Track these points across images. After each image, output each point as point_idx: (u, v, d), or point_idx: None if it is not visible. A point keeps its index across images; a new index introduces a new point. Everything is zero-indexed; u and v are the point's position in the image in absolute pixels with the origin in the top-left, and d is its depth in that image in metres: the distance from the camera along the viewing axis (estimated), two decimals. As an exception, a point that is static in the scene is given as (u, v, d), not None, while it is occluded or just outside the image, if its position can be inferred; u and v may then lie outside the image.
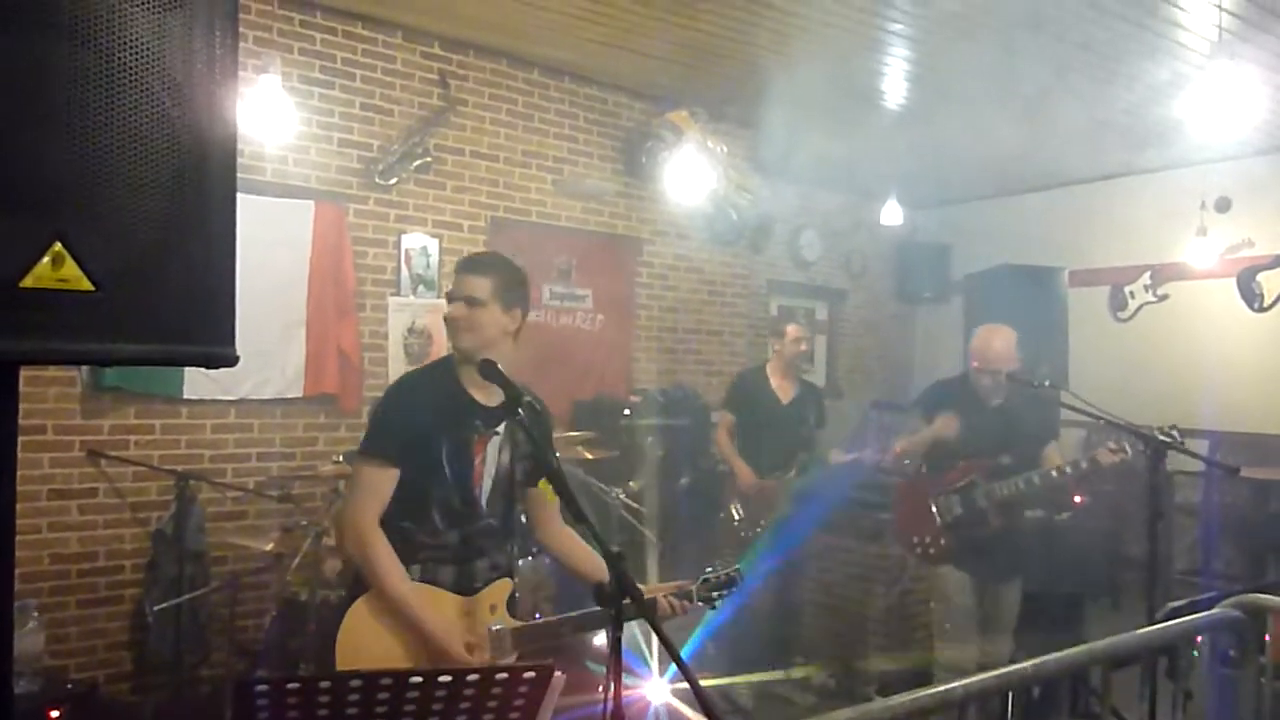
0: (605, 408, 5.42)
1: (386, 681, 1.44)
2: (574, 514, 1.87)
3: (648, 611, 1.71)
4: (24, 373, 1.13)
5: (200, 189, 1.13)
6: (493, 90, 5.30)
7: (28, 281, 1.01)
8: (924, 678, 3.84)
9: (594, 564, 2.52)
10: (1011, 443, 3.64)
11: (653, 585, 2.50)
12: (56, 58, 1.01)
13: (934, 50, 4.85)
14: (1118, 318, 7.17)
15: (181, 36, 1.11)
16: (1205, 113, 5.11)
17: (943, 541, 3.69)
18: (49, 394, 3.96)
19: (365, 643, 2.26)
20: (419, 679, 1.46)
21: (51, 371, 3.95)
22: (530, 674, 1.52)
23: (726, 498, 4.84)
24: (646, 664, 3.01)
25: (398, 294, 4.94)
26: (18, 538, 1.14)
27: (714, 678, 4.14)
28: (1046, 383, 3.70)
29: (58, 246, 1.02)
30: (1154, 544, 3.14)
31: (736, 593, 2.50)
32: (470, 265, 2.46)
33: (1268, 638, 2.47)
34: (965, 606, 3.68)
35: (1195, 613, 2.48)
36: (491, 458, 2.43)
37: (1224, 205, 6.39)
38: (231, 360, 1.20)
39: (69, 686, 3.69)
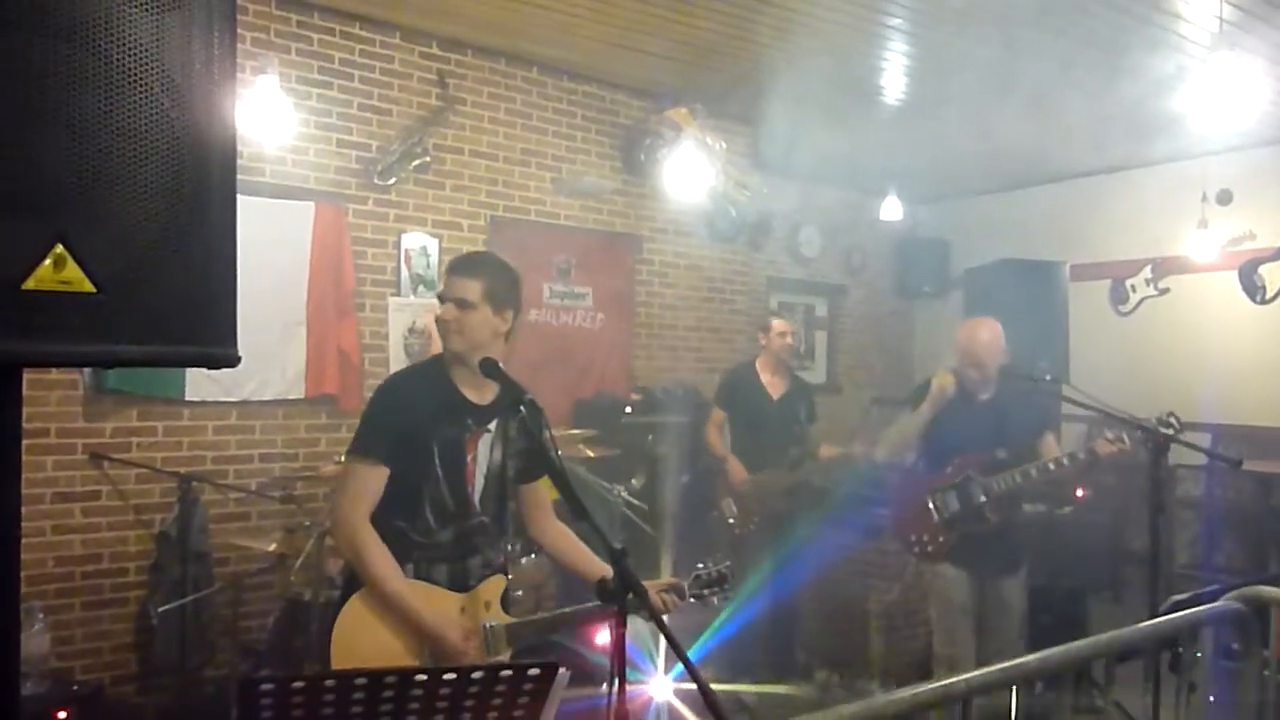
0: (606, 406, 5.43)
1: (391, 680, 1.44)
2: (576, 512, 1.87)
3: (651, 608, 1.72)
4: (26, 376, 1.14)
5: (200, 190, 1.14)
6: (491, 89, 5.30)
7: (29, 284, 1.01)
8: (926, 673, 3.84)
9: (588, 560, 2.53)
10: (1006, 436, 3.60)
11: (645, 582, 2.50)
12: (55, 59, 1.01)
13: (933, 45, 4.85)
14: (1119, 311, 7.16)
15: (180, 38, 1.11)
16: (1206, 105, 5.10)
17: (941, 539, 3.66)
18: (51, 397, 3.97)
19: (360, 641, 2.26)
20: (423, 677, 1.46)
21: (54, 374, 3.95)
22: (535, 671, 1.52)
23: (718, 495, 4.85)
24: (652, 661, 3.02)
25: (398, 294, 4.95)
26: (22, 540, 1.14)
27: (717, 682, 4.15)
28: (1048, 376, 3.68)
29: (59, 248, 1.02)
30: (1156, 537, 3.15)
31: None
32: (461, 267, 2.44)
33: (1271, 631, 2.47)
34: (964, 603, 3.65)
35: (1198, 606, 2.48)
36: (484, 456, 2.43)
37: (1225, 198, 6.38)
38: (233, 360, 1.20)
39: (75, 688, 3.70)
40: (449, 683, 1.47)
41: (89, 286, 1.05)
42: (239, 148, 1.22)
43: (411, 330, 4.96)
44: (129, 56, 1.06)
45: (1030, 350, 4.94)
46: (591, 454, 4.43)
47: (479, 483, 2.42)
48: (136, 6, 1.06)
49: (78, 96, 1.02)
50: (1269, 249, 6.24)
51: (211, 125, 1.14)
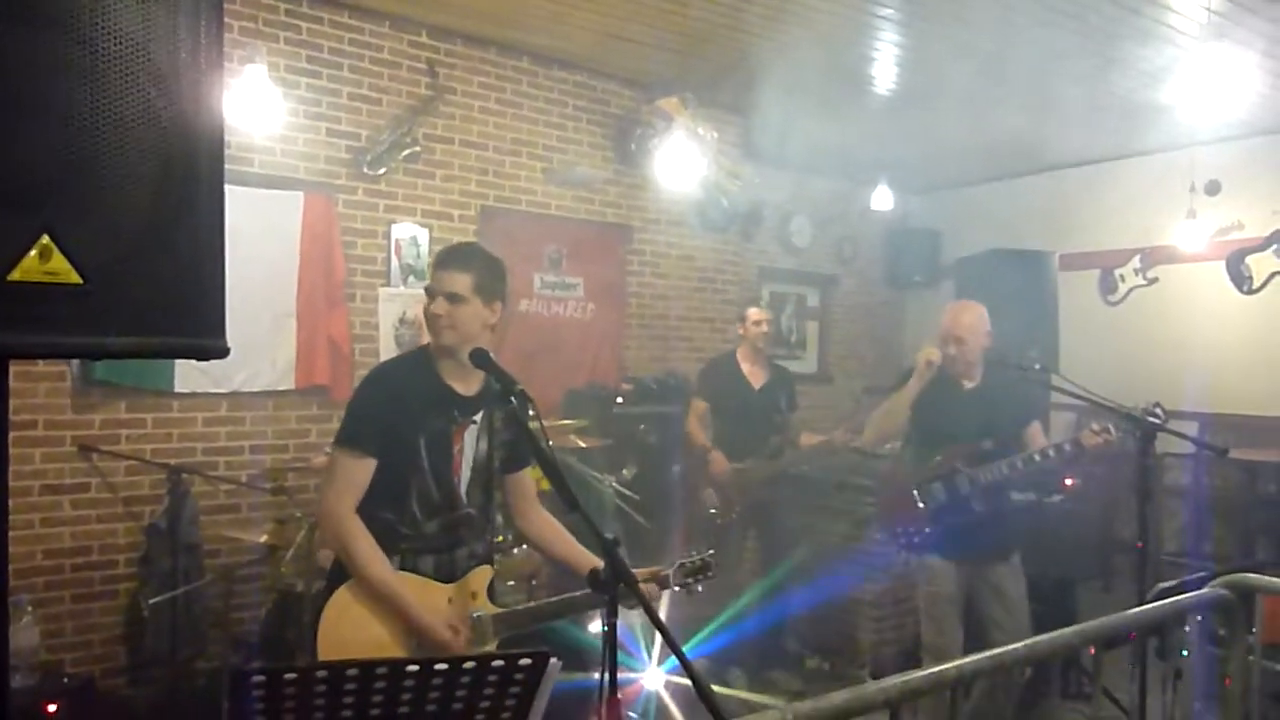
0: (597, 396, 5.43)
1: (382, 670, 1.44)
2: (567, 503, 1.88)
3: (643, 598, 1.73)
4: (14, 368, 1.13)
5: (188, 180, 1.13)
6: (481, 79, 5.27)
7: (15, 275, 1.00)
8: (914, 663, 3.86)
9: (575, 551, 2.54)
10: (992, 426, 3.58)
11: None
12: (40, 49, 1.00)
13: (924, 35, 4.84)
14: (1108, 301, 7.19)
15: (166, 27, 1.10)
16: (1194, 95, 5.13)
17: (927, 530, 3.63)
18: (39, 389, 3.94)
19: (347, 632, 2.26)
20: (415, 668, 1.46)
21: (41, 366, 3.92)
22: (526, 661, 1.52)
23: (700, 485, 4.85)
24: (646, 651, 3.04)
25: (388, 284, 4.93)
26: (10, 533, 1.14)
27: (706, 671, 4.17)
28: (1037, 365, 3.67)
29: (45, 239, 1.02)
30: (1144, 525, 3.17)
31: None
32: (450, 260, 2.43)
33: (1257, 617, 2.49)
34: (951, 594, 3.64)
35: (1185, 593, 2.50)
36: (470, 447, 2.43)
37: (1213, 188, 6.40)
38: (222, 351, 1.20)
39: (65, 680, 3.69)
40: (441, 673, 1.47)
41: (76, 278, 1.04)
42: (227, 137, 1.21)
43: (402, 320, 4.95)
44: (115, 46, 1.05)
45: (1020, 339, 4.96)
46: (583, 444, 4.44)
47: (465, 474, 2.43)
48: (122, -5, 1.05)
49: (63, 86, 1.02)
50: (1256, 239, 6.28)
51: (199, 115, 1.14)
